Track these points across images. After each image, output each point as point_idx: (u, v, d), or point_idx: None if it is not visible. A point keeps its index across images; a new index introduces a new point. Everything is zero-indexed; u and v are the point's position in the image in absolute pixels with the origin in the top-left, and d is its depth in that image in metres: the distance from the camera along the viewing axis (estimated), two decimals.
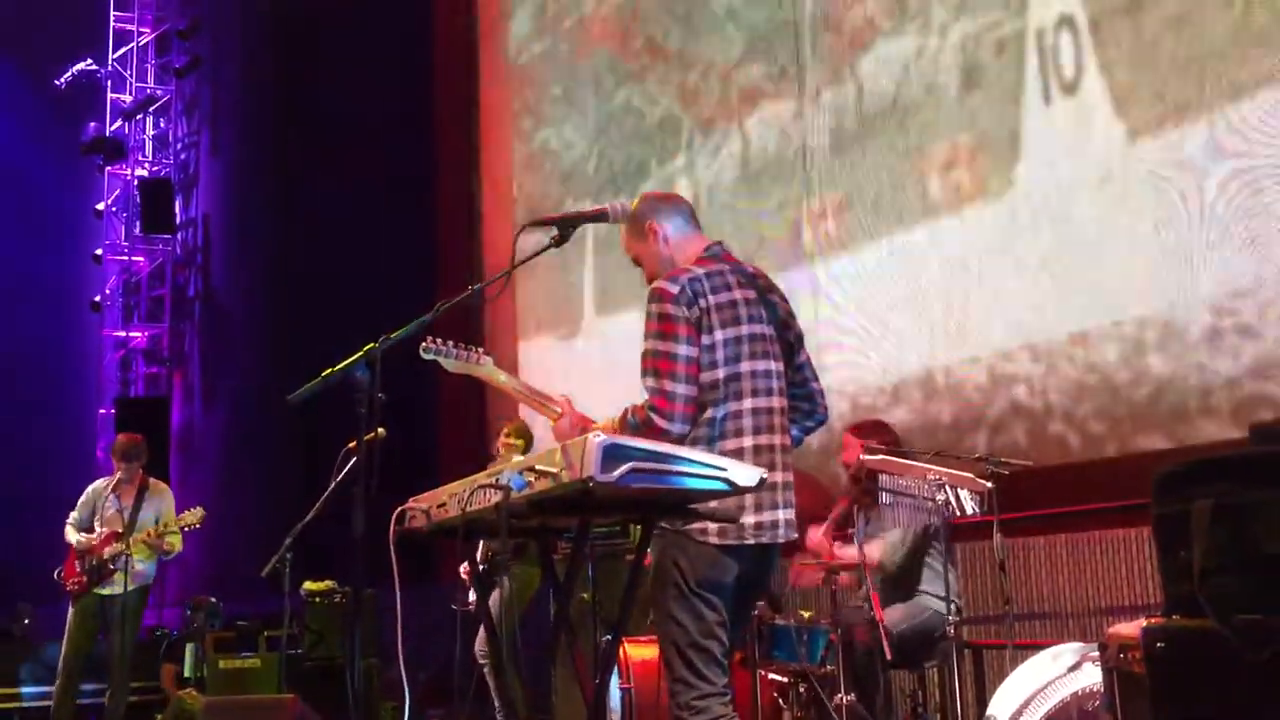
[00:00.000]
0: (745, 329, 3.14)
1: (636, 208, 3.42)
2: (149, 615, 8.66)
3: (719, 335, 3.09)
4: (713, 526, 3.03)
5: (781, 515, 3.13)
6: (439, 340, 3.47)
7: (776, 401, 3.18)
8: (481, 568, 5.84)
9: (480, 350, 3.50)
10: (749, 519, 3.06)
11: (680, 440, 3.04)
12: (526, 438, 6.28)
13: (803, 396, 3.34)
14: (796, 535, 3.25)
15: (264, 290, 12.33)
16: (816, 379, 3.40)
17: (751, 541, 3.07)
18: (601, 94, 8.40)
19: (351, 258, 10.10)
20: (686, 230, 3.35)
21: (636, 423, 3.07)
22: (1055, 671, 3.93)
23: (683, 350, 3.07)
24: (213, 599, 8.76)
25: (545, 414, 3.41)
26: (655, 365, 3.09)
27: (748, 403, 3.11)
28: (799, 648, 4.56)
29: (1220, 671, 2.33)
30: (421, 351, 3.43)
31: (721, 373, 3.09)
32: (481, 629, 5.81)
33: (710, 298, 3.11)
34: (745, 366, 3.12)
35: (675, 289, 3.11)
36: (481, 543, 5.71)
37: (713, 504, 2.93)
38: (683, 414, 3.05)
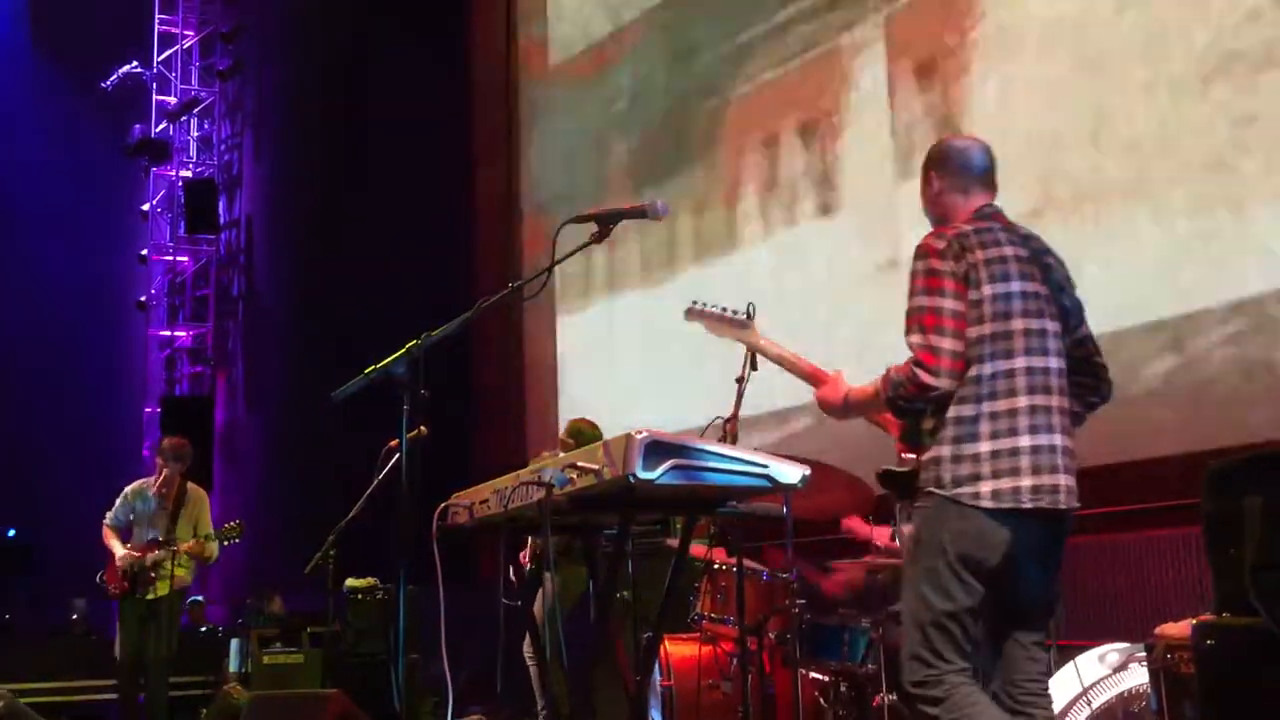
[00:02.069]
0: (1016, 285, 3.01)
1: (929, 152, 3.32)
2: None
3: (987, 290, 2.97)
4: (986, 489, 2.89)
5: (1062, 480, 2.94)
6: (704, 302, 3.35)
7: (1054, 362, 3.02)
8: (528, 567, 5.82)
9: (745, 314, 3.36)
10: (1025, 481, 2.89)
11: (947, 397, 2.94)
12: (579, 438, 6.18)
13: (1086, 370, 3.16)
14: (1079, 505, 3.04)
15: (307, 289, 12.43)
16: (1099, 353, 3.19)
17: (1029, 505, 2.89)
18: (638, 91, 8.40)
19: (392, 256, 10.16)
20: (963, 187, 3.22)
21: (900, 380, 2.95)
22: (1101, 672, 3.90)
23: (949, 304, 2.95)
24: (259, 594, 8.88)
25: (807, 382, 3.32)
26: (920, 320, 2.96)
27: (1020, 361, 2.97)
28: (841, 646, 4.54)
29: (1270, 668, 2.29)
30: (685, 315, 3.35)
31: (989, 328, 2.96)
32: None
33: (978, 252, 3.00)
34: (1018, 324, 2.98)
35: (941, 244, 3.02)
36: (530, 541, 5.70)
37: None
38: (949, 369, 2.92)
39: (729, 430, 4.35)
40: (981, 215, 3.15)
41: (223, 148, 14.30)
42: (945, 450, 2.94)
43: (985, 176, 3.24)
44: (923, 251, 3.03)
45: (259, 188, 13.86)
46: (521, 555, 5.93)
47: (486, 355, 9.37)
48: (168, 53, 14.20)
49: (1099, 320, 3.28)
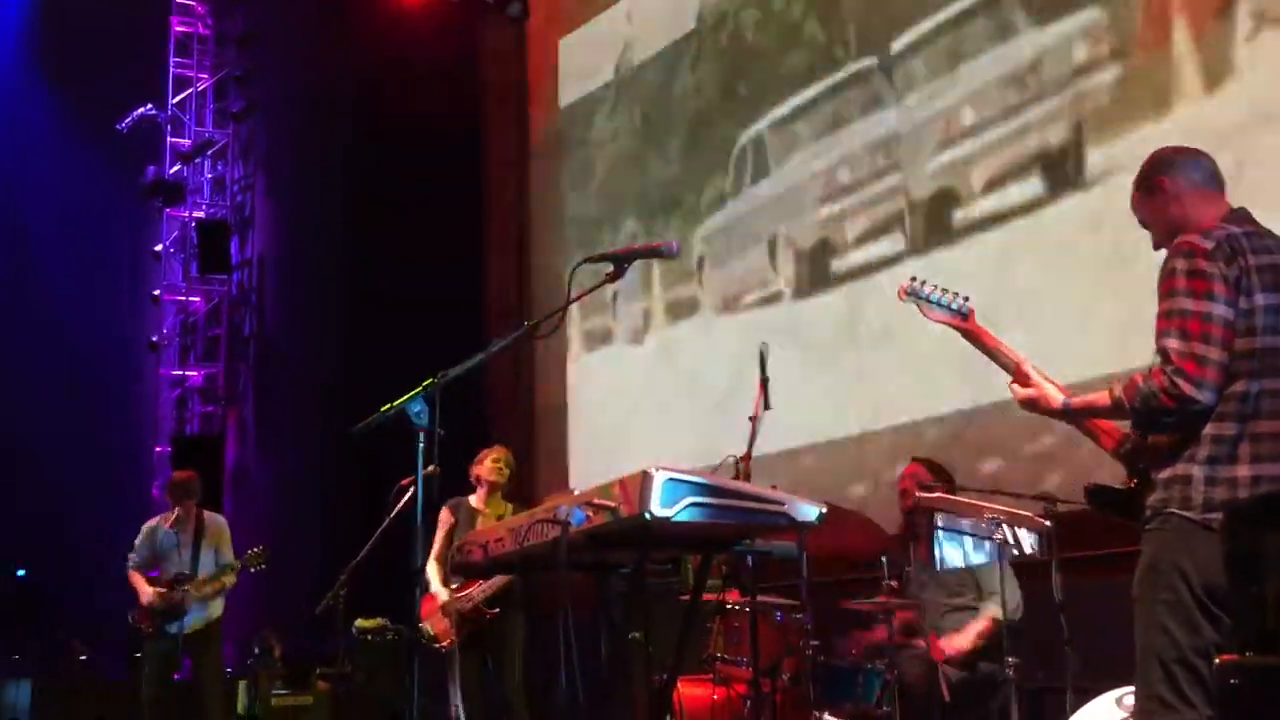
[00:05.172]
0: None
1: (1148, 163, 3.07)
2: None
3: (1260, 299, 2.74)
4: None
5: None
6: (923, 280, 3.14)
7: None
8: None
9: (965, 299, 3.15)
10: None
11: (1206, 414, 2.71)
12: (512, 466, 6.07)
13: None
14: None
15: (318, 330, 12.47)
16: None
17: None
18: (649, 129, 8.47)
19: (404, 296, 10.20)
20: (1205, 189, 2.96)
21: (1154, 390, 2.71)
22: (1117, 715, 3.86)
23: (1219, 311, 2.71)
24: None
25: (1010, 374, 3.14)
26: (1184, 325, 2.71)
27: None
28: (855, 688, 4.50)
29: None
30: (900, 294, 3.16)
31: (1259, 342, 2.73)
32: (459, 675, 5.56)
33: (1250, 257, 2.77)
34: None
35: (1209, 244, 2.77)
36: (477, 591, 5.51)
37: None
38: (1214, 383, 2.68)
39: (743, 468, 4.35)
40: (1239, 218, 2.91)
41: (236, 189, 14.37)
42: (1197, 470, 2.72)
43: (1217, 175, 3.01)
44: (1186, 250, 2.78)
45: (271, 228, 13.93)
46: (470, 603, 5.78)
47: (498, 395, 9.37)
48: (182, 95, 14.32)
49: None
